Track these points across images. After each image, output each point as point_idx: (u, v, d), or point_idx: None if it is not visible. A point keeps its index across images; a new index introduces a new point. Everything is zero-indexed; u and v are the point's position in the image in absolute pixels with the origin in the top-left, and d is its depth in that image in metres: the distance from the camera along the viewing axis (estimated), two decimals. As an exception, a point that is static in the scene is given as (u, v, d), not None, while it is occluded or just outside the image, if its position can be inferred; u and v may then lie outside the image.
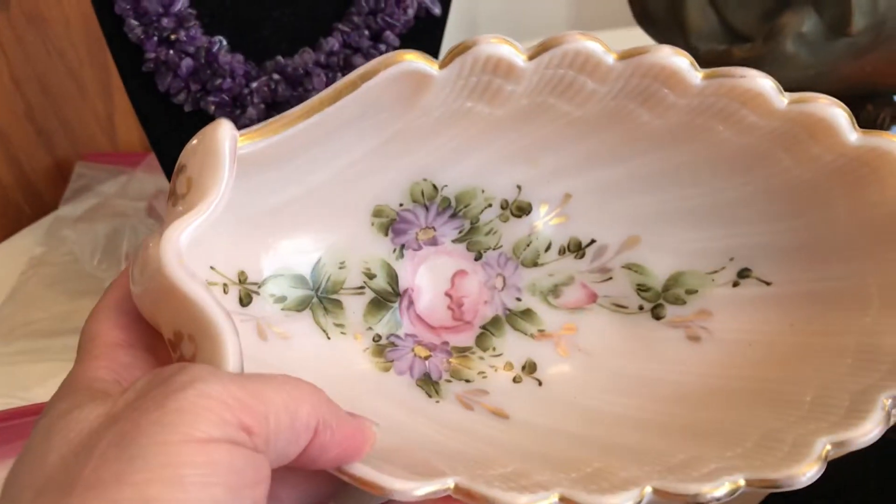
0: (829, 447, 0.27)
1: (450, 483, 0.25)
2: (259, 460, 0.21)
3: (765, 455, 0.27)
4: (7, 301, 0.48)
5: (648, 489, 0.26)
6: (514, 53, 0.29)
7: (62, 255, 0.51)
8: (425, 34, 0.42)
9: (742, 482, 0.26)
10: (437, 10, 0.42)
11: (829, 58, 0.40)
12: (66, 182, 0.61)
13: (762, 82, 0.30)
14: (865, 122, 0.43)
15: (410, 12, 0.41)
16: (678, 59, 0.30)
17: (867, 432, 0.27)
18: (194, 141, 0.26)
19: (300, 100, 0.41)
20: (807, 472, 0.26)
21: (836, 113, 0.30)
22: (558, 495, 0.25)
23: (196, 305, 0.23)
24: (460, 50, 0.28)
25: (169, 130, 0.43)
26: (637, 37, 0.80)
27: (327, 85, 0.41)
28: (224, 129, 0.25)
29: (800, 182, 0.34)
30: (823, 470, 0.26)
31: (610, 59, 0.30)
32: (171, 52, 0.40)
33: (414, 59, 0.28)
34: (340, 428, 0.23)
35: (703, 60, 0.43)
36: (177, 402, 0.19)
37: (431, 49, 0.42)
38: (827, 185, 0.33)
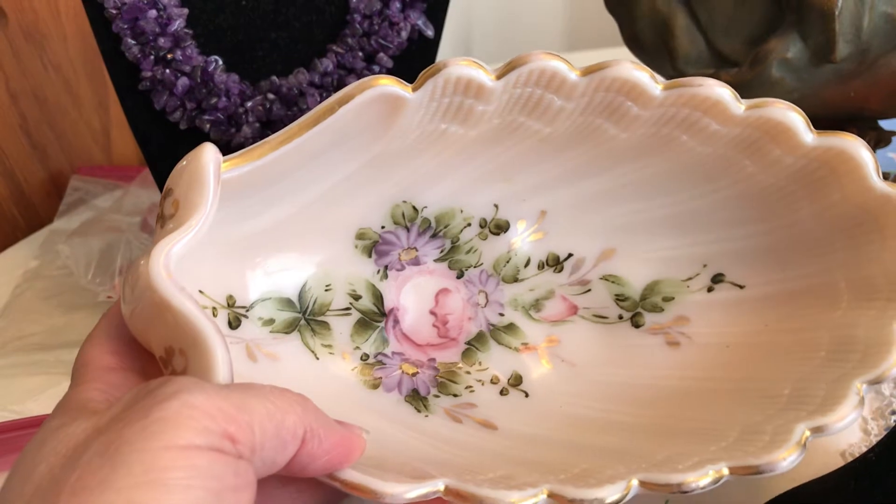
0: (807, 433, 0.28)
1: (440, 485, 0.26)
2: (242, 466, 0.21)
3: (746, 446, 0.28)
4: (1, 314, 0.48)
5: (634, 482, 0.26)
6: (482, 74, 0.30)
7: (56, 269, 0.51)
8: (418, 56, 0.43)
9: (726, 471, 0.27)
10: (429, 33, 0.42)
11: (813, 83, 0.41)
12: (61, 195, 0.62)
13: (719, 91, 0.31)
14: (850, 145, 0.44)
15: (404, 34, 0.42)
16: (638, 73, 0.31)
17: (844, 416, 0.28)
18: (181, 164, 0.27)
19: (294, 119, 0.42)
20: (787, 458, 0.27)
21: (792, 116, 0.32)
22: (546, 491, 0.26)
23: (185, 317, 0.23)
24: (431, 73, 0.30)
25: (164, 148, 0.43)
26: (627, 55, 0.80)
27: (321, 105, 0.42)
28: (208, 153, 0.26)
29: (764, 187, 0.35)
30: (803, 456, 0.27)
31: (573, 75, 0.31)
32: (168, 70, 0.41)
33: (388, 84, 0.29)
34: (329, 436, 0.24)
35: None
36: (161, 411, 0.20)
37: (424, 70, 0.43)
38: (790, 188, 0.34)
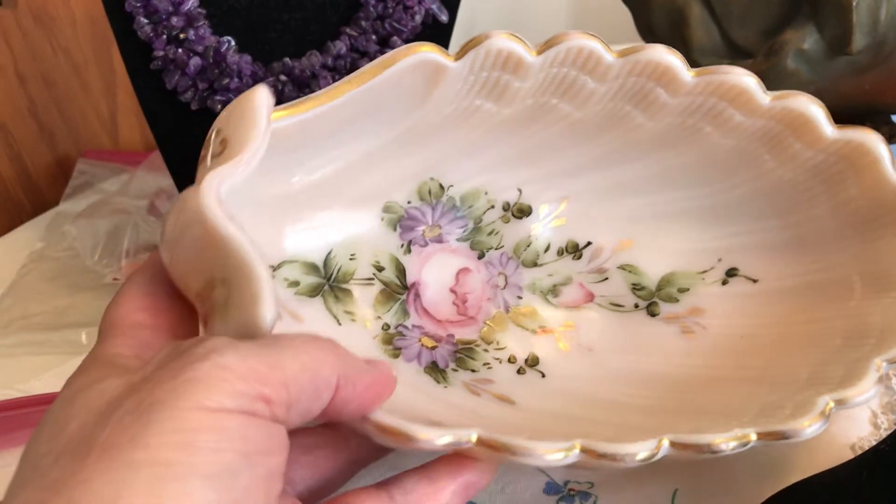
0: (831, 403, 0.28)
1: (472, 435, 0.25)
2: (274, 430, 0.21)
3: (768, 420, 0.28)
4: (6, 294, 0.48)
5: (665, 441, 0.26)
6: (522, 49, 0.30)
7: (62, 251, 0.51)
8: (432, 40, 0.42)
9: (753, 436, 0.27)
10: (444, 17, 0.42)
11: (829, 75, 0.41)
12: (67, 179, 0.61)
13: (746, 79, 0.32)
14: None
15: (418, 18, 0.41)
16: (672, 57, 0.32)
17: (865, 390, 0.29)
18: (232, 104, 0.26)
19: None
20: (811, 425, 0.27)
21: (815, 108, 0.33)
22: (579, 445, 0.26)
23: (233, 244, 0.22)
24: (474, 44, 0.30)
25: (174, 128, 0.43)
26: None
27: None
28: (261, 94, 0.25)
29: (783, 182, 0.35)
30: (826, 426, 0.28)
31: (609, 56, 0.31)
32: (180, 50, 0.40)
33: (431, 50, 0.30)
34: (361, 378, 0.23)
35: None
36: (192, 372, 0.20)
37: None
38: (809, 183, 0.35)
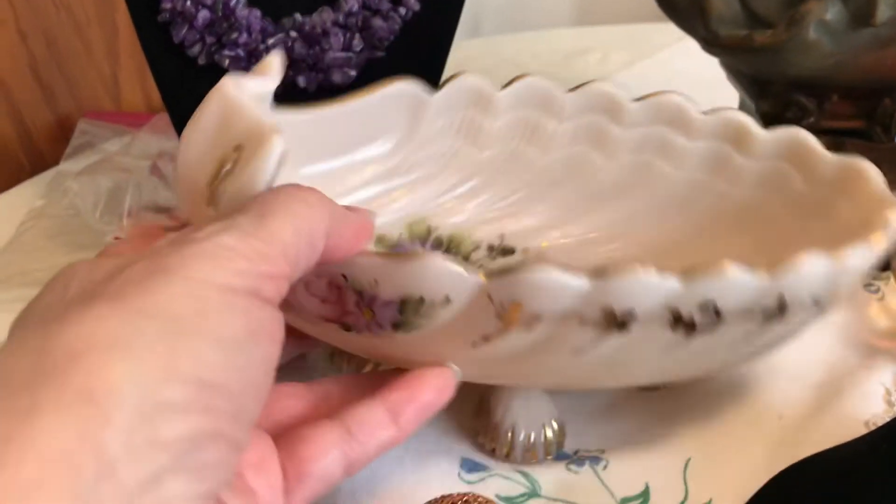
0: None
1: (480, 272, 0.25)
2: (277, 315, 0.21)
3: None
4: (4, 250, 0.47)
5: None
6: (490, 86, 0.38)
7: (63, 209, 0.50)
8: (439, 14, 0.42)
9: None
10: (457, -24, 0.41)
11: (851, 47, 0.40)
12: (67, 141, 0.60)
13: (679, 99, 0.38)
14: (882, 117, 0.43)
15: (431, -24, 0.41)
16: (615, 90, 0.39)
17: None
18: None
19: (316, 59, 0.41)
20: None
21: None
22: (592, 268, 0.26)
23: (248, 107, 0.25)
24: (448, 80, 0.37)
25: (181, 83, 0.42)
26: (638, 31, 0.80)
27: (344, 45, 0.41)
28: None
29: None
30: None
31: (560, 93, 0.39)
32: (188, 3, 0.39)
33: (411, 83, 0.36)
34: (347, 228, 0.24)
35: (724, 45, 0.43)
36: (198, 248, 0.20)
37: (451, 16, 0.42)
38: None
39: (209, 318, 0.19)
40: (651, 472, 0.32)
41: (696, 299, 0.25)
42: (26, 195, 0.54)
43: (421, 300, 0.25)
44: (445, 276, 0.25)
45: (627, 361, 0.27)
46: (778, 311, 0.27)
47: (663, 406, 0.35)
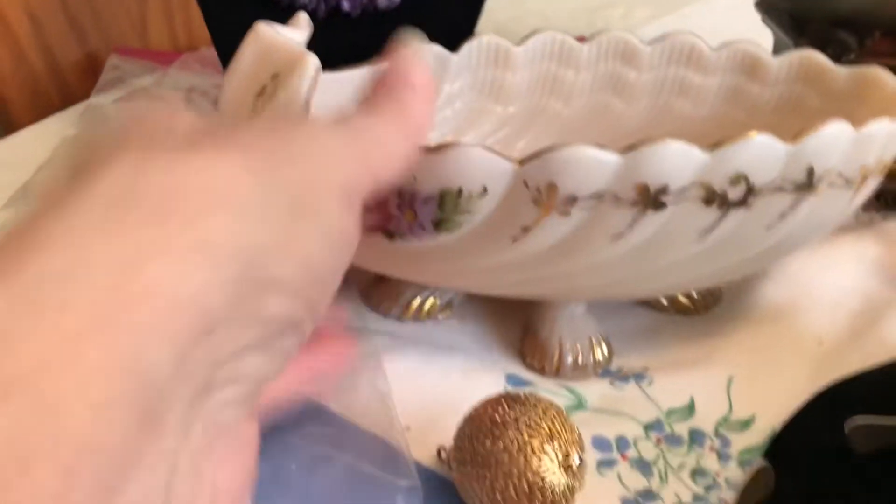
0: None
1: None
2: (357, 227, 0.20)
3: None
4: (42, 168, 0.47)
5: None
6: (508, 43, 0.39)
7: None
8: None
9: None
10: None
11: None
12: (96, 77, 0.60)
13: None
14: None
15: None
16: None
17: None
18: None
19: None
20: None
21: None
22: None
23: (283, 39, 0.26)
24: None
25: (228, 16, 0.42)
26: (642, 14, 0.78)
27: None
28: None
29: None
30: None
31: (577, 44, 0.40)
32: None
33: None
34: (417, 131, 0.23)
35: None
36: (317, 142, 0.19)
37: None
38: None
39: (321, 211, 0.18)
40: (695, 388, 0.33)
41: (727, 172, 0.26)
42: (57, 126, 0.54)
43: (459, 192, 0.26)
44: (481, 164, 0.25)
45: (666, 247, 0.28)
46: (808, 183, 0.27)
47: (705, 329, 0.36)
